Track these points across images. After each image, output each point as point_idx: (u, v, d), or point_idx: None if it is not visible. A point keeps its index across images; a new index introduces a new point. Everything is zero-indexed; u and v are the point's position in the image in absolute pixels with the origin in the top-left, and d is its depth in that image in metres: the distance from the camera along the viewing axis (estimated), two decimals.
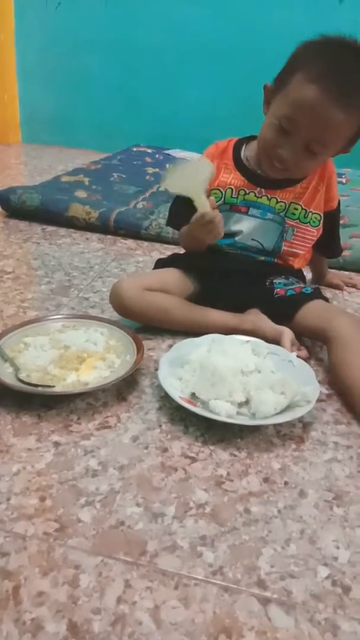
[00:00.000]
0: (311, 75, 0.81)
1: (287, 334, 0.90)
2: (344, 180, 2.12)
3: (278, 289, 0.99)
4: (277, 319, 0.95)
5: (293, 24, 2.32)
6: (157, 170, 2.17)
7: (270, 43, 2.36)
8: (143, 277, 1.01)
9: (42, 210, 1.54)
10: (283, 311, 0.95)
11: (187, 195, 0.86)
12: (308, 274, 1.23)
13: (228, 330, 0.92)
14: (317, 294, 0.98)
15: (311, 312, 0.93)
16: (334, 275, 1.26)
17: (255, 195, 0.98)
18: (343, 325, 0.86)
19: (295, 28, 2.30)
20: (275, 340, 0.90)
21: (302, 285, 1.01)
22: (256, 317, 0.95)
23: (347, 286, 1.26)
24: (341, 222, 1.60)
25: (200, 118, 2.56)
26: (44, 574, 0.51)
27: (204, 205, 0.86)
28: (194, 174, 0.87)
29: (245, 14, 2.40)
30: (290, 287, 0.99)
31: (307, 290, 0.99)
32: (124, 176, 2.01)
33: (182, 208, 0.95)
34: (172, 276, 1.00)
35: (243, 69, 2.46)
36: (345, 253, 1.34)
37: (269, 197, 0.98)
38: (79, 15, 2.62)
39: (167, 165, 0.89)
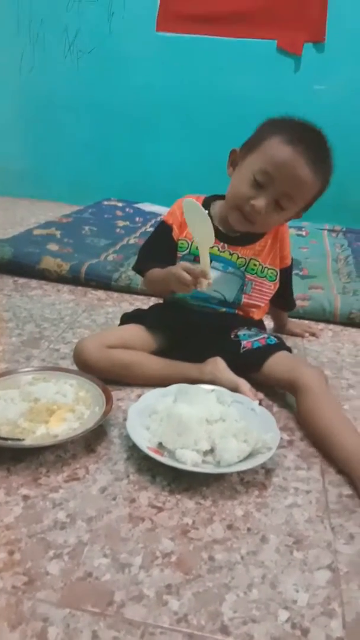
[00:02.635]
0: (286, 139, 0.92)
1: (243, 385, 0.95)
2: (303, 233, 2.24)
3: (244, 342, 1.04)
4: (245, 371, 1.00)
5: (252, 90, 2.52)
6: (128, 223, 2.26)
7: (232, 106, 2.55)
8: (105, 335, 1.05)
9: (14, 263, 1.58)
10: (251, 363, 1.01)
11: (199, 243, 0.91)
12: (270, 323, 1.30)
13: (191, 382, 0.95)
14: (281, 345, 1.05)
15: (278, 364, 0.99)
16: (294, 324, 1.33)
17: (219, 250, 1.05)
18: (309, 377, 0.93)
19: (253, 93, 2.50)
20: (233, 391, 0.95)
21: (265, 335, 1.07)
22: (214, 368, 0.99)
23: (308, 335, 1.32)
24: (300, 273, 1.71)
25: (167, 174, 2.68)
26: (13, 628, 0.52)
27: (206, 263, 0.91)
28: (209, 230, 0.91)
29: (208, 80, 2.58)
30: (255, 338, 1.04)
31: (271, 340, 1.05)
32: (95, 229, 2.08)
33: (154, 255, 1.02)
34: (135, 332, 1.04)
35: (206, 129, 2.61)
36: (305, 303, 1.41)
37: (231, 252, 1.05)
38: (51, 77, 2.76)
39: (188, 200, 0.93)
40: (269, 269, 1.07)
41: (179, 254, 1.06)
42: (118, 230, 2.13)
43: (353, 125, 2.48)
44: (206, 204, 1.08)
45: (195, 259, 1.05)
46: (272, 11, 2.45)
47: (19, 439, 0.78)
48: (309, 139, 0.94)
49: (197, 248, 1.04)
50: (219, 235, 1.05)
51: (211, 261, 1.04)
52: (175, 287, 0.94)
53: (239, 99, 2.53)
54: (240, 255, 1.05)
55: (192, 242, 1.05)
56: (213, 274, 1.04)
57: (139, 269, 1.11)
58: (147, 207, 2.60)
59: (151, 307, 1.18)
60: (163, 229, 1.08)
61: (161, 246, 1.08)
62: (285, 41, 2.49)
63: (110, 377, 0.97)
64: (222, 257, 1.05)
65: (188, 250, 1.06)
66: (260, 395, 0.97)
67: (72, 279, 1.56)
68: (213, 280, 1.04)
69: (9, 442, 0.77)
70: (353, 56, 2.45)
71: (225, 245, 1.05)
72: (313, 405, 0.89)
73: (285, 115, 0.99)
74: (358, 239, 2.26)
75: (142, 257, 1.11)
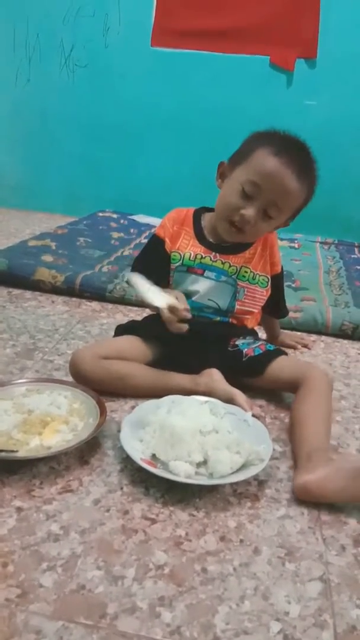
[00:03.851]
0: (273, 150, 0.96)
1: (239, 396, 0.96)
2: (296, 245, 2.27)
3: (245, 350, 1.06)
4: (248, 376, 1.04)
5: (244, 104, 2.55)
6: (122, 234, 2.27)
7: (225, 120, 2.58)
8: (100, 345, 1.07)
9: (9, 274, 1.59)
10: (254, 369, 1.04)
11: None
12: (263, 335, 1.31)
13: (185, 393, 0.96)
14: (280, 351, 1.08)
15: (285, 366, 1.03)
16: (286, 335, 1.34)
17: (211, 260, 1.07)
18: (316, 376, 0.97)
19: (246, 108, 2.54)
20: (228, 402, 0.96)
21: (263, 342, 1.10)
22: (209, 379, 1.01)
23: (300, 346, 1.34)
24: (293, 285, 1.72)
25: (161, 186, 2.70)
26: None
27: (172, 300, 0.94)
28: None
29: (201, 94, 2.61)
30: (254, 345, 1.07)
31: (270, 346, 1.08)
32: (89, 240, 2.09)
33: (148, 268, 1.05)
34: (130, 344, 1.06)
35: (199, 142, 2.64)
36: (297, 315, 1.43)
37: (223, 261, 1.07)
38: (47, 90, 2.78)
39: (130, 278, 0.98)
40: (260, 275, 1.10)
41: (172, 266, 1.08)
42: (113, 241, 2.15)
43: (343, 140, 2.52)
44: (197, 216, 1.10)
45: (188, 269, 1.07)
46: (265, 28, 2.50)
47: (12, 451, 0.78)
48: (294, 151, 0.98)
49: (189, 259, 1.06)
50: (211, 246, 1.08)
51: (204, 271, 1.06)
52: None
53: (231, 113, 2.56)
54: (231, 264, 1.07)
55: (184, 254, 1.07)
56: (205, 284, 1.07)
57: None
58: (141, 218, 2.62)
59: (145, 318, 1.19)
60: (155, 243, 1.10)
61: (154, 259, 1.10)
62: (278, 57, 2.54)
63: (104, 388, 0.98)
64: (214, 266, 1.07)
65: (181, 262, 1.07)
66: (257, 409, 0.98)
67: (67, 290, 1.56)
68: (206, 290, 1.06)
69: (3, 454, 0.77)
70: (344, 72, 2.49)
71: (217, 255, 1.07)
72: (304, 398, 0.93)
73: (271, 128, 1.03)
74: (350, 251, 2.29)
75: (136, 270, 1.12)
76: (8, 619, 0.54)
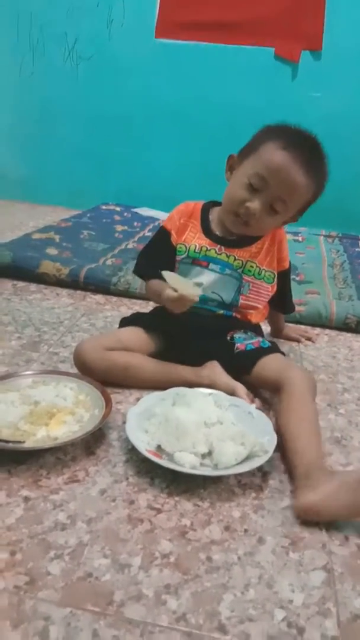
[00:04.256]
0: (281, 144, 0.95)
1: (240, 389, 0.97)
2: (300, 239, 2.26)
3: (238, 344, 1.06)
4: (237, 372, 1.02)
5: (249, 96, 2.54)
6: (126, 227, 2.27)
7: (229, 112, 2.57)
8: (104, 337, 1.07)
9: (13, 267, 1.59)
10: (242, 365, 1.03)
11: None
12: (267, 328, 1.31)
13: (189, 385, 0.97)
14: (274, 348, 1.06)
15: (269, 365, 1.01)
16: (291, 329, 1.35)
17: (216, 252, 1.07)
18: (295, 379, 0.92)
19: (251, 100, 2.53)
20: (230, 394, 0.96)
21: (260, 339, 1.09)
22: (211, 372, 1.01)
23: (304, 339, 1.34)
24: (297, 278, 1.73)
25: (165, 179, 2.70)
26: (15, 627, 0.53)
27: (183, 288, 0.93)
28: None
29: (206, 86, 2.61)
30: (249, 341, 1.06)
31: (264, 344, 1.06)
32: (93, 233, 2.09)
33: (153, 259, 1.06)
34: (134, 335, 1.06)
35: (204, 134, 2.64)
36: (301, 308, 1.43)
37: (228, 254, 1.07)
38: (51, 83, 2.78)
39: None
40: (266, 271, 1.09)
41: (178, 257, 1.08)
42: (117, 234, 2.15)
43: (349, 132, 2.51)
44: (205, 210, 1.10)
45: (192, 262, 1.07)
46: (270, 19, 2.48)
47: (19, 442, 0.79)
48: (304, 145, 0.97)
49: (194, 251, 1.06)
50: (217, 239, 1.07)
51: (209, 263, 1.06)
52: (168, 307, 0.97)
53: (236, 105, 2.55)
54: (236, 257, 1.07)
55: (189, 246, 1.07)
56: (209, 277, 1.07)
57: (140, 273, 1.15)
58: (145, 211, 2.62)
59: (150, 311, 1.19)
60: (162, 235, 1.10)
61: (160, 251, 1.10)
62: (283, 49, 2.52)
63: (108, 379, 0.98)
64: (219, 259, 1.07)
65: (186, 253, 1.08)
66: (258, 402, 0.98)
67: (71, 283, 1.57)
68: (210, 282, 1.06)
69: (10, 445, 0.78)
70: (349, 64, 2.48)
71: (222, 247, 1.07)
72: (289, 405, 0.88)
73: (282, 122, 1.02)
74: (354, 244, 2.29)
75: (141, 261, 1.14)
76: (17, 606, 0.55)
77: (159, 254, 1.10)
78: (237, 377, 1.01)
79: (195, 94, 2.63)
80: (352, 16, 2.42)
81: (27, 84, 2.81)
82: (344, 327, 1.43)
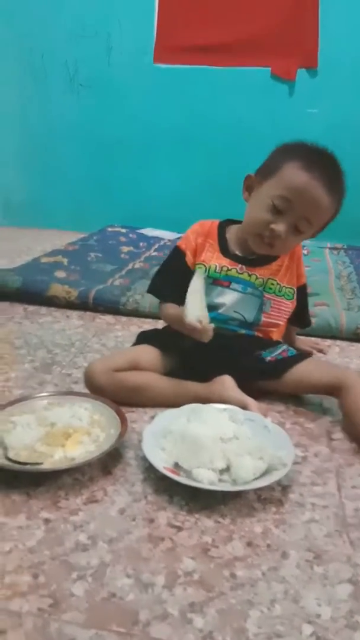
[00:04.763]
0: (303, 164, 0.96)
1: (252, 403, 0.97)
2: (305, 252, 2.27)
3: (268, 358, 1.07)
4: (270, 378, 1.04)
5: (248, 115, 2.58)
6: (132, 248, 2.29)
7: (229, 131, 2.61)
8: (114, 358, 1.07)
9: (23, 292, 1.61)
10: (276, 369, 1.04)
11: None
12: None
13: (201, 401, 0.96)
14: (304, 354, 1.09)
15: (316, 368, 1.04)
16: (302, 341, 1.34)
17: (237, 272, 1.08)
18: (355, 377, 0.97)
19: (249, 119, 2.57)
20: (243, 408, 0.96)
21: (285, 347, 1.10)
22: (222, 388, 1.01)
23: (316, 351, 1.34)
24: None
25: (169, 199, 2.73)
26: None
27: (203, 314, 0.94)
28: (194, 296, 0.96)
29: (205, 107, 2.65)
30: (276, 352, 1.08)
31: (291, 352, 1.09)
32: (100, 255, 2.11)
33: (169, 280, 1.08)
34: (146, 354, 1.06)
35: (204, 154, 2.67)
36: (311, 320, 1.43)
37: (250, 273, 1.08)
38: (52, 109, 2.83)
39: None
40: (286, 287, 1.10)
41: None
42: (123, 255, 2.17)
43: (348, 145, 2.51)
44: (221, 229, 1.11)
45: (214, 282, 1.07)
46: (266, 40, 2.53)
47: (37, 463, 0.79)
48: (324, 164, 0.98)
49: (215, 271, 1.07)
50: (237, 259, 1.08)
51: (230, 283, 1.06)
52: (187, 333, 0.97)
53: (235, 124, 2.59)
54: (258, 276, 1.08)
55: (209, 266, 1.07)
56: (231, 296, 1.07)
57: (156, 294, 1.14)
58: (149, 232, 2.65)
59: (166, 327, 1.18)
60: (177, 254, 1.11)
61: (175, 271, 1.10)
62: (279, 68, 2.57)
63: (119, 400, 0.98)
64: (241, 278, 1.08)
65: (206, 273, 1.07)
66: (275, 414, 0.98)
67: (81, 305, 1.58)
68: (232, 302, 1.07)
69: (28, 467, 0.78)
70: (344, 80, 2.51)
71: (244, 267, 1.08)
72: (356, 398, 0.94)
73: (298, 140, 1.03)
74: (359, 255, 2.29)
75: (156, 281, 1.14)
76: (42, 629, 0.55)
77: (173, 274, 1.10)
78: (262, 388, 1.03)
79: (195, 115, 2.67)
80: (345, 33, 2.46)
81: (30, 111, 2.87)
82: (355, 337, 1.43)
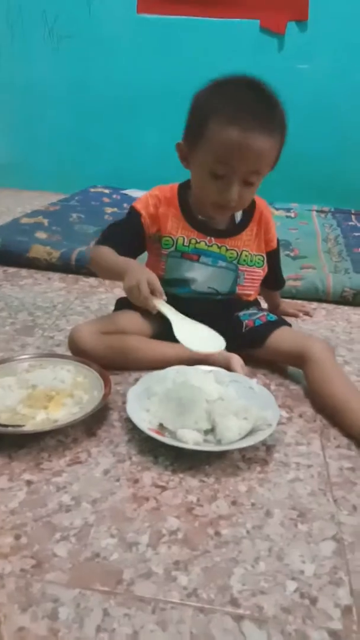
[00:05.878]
0: (229, 116, 0.86)
1: (236, 360, 0.96)
2: (292, 215, 2.24)
3: (246, 321, 1.04)
4: (248, 347, 1.02)
5: (236, 70, 2.48)
6: (116, 209, 2.23)
7: None
8: (100, 321, 1.03)
9: (3, 252, 1.56)
10: (254, 340, 1.02)
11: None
12: (264, 305, 1.30)
13: (183, 362, 0.95)
14: (282, 321, 1.06)
15: (284, 338, 1.01)
16: (288, 304, 1.33)
17: (206, 244, 1.02)
18: (318, 348, 0.94)
19: (237, 73, 2.47)
20: (226, 367, 0.96)
21: (265, 312, 1.08)
22: None
23: (302, 314, 1.33)
24: (292, 254, 1.71)
25: (153, 159, 2.64)
26: (23, 610, 0.52)
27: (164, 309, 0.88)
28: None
29: (191, 61, 2.53)
30: (255, 316, 1.05)
31: (271, 317, 1.06)
32: (82, 216, 2.05)
33: (118, 237, 0.99)
34: (130, 319, 1.02)
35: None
36: (297, 283, 1.42)
37: (219, 245, 1.02)
38: (32, 64, 2.70)
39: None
40: (256, 255, 1.06)
41: (165, 251, 1.02)
42: (106, 216, 2.11)
43: (337, 104, 2.46)
44: (181, 194, 1.02)
45: (182, 255, 1.02)
46: None
47: (19, 425, 0.77)
48: (250, 104, 0.88)
49: (183, 245, 1.01)
50: (205, 230, 1.02)
51: (199, 256, 1.02)
52: (127, 291, 0.88)
53: None
54: (229, 248, 1.03)
55: (176, 239, 1.02)
56: (202, 271, 1.02)
57: (101, 242, 1.03)
58: (134, 193, 2.57)
59: None
60: (131, 213, 1.03)
61: (125, 226, 1.03)
62: (268, 21, 2.46)
63: (106, 363, 0.96)
64: (210, 251, 1.02)
65: (174, 247, 1.02)
66: (255, 379, 0.97)
67: (63, 267, 1.54)
68: (205, 277, 1.02)
69: (10, 429, 0.76)
70: (336, 34, 2.42)
71: (212, 239, 1.02)
72: (324, 375, 0.91)
73: (210, 80, 0.92)
74: (346, 218, 2.27)
75: (105, 233, 1.04)
76: (25, 589, 0.54)
77: (123, 228, 1.03)
78: (246, 353, 1.01)
79: (181, 69, 2.56)
80: None
81: (8, 66, 2.73)
82: (341, 300, 1.42)
